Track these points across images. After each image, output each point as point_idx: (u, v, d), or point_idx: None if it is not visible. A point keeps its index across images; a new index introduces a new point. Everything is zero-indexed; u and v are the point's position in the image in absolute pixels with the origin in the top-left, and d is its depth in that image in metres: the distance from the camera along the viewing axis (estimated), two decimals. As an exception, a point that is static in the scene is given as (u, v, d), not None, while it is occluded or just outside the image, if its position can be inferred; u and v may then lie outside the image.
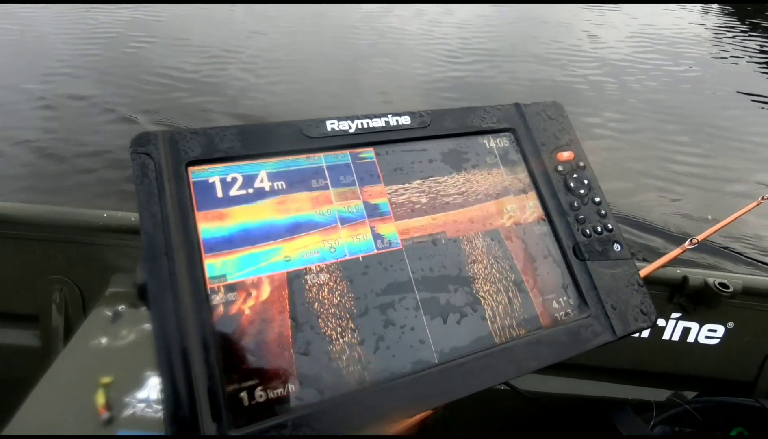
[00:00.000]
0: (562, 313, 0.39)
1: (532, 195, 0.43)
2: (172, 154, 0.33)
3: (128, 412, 0.60)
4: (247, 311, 0.31)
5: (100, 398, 0.61)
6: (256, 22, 5.21)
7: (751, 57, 5.31)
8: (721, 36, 6.08)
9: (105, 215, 0.82)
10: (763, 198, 1.01)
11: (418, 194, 0.40)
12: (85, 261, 0.84)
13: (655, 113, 3.69)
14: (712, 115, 3.76)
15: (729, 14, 7.47)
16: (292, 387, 0.30)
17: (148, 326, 0.70)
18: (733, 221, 0.98)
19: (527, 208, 0.43)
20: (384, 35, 5.12)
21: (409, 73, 4.19)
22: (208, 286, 0.31)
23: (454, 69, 4.34)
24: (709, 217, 2.52)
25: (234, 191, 0.34)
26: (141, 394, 0.62)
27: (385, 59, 4.45)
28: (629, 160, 3.04)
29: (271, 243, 0.34)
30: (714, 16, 7.35)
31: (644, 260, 0.97)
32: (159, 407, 0.60)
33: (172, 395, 0.27)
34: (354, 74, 4.12)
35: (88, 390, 0.61)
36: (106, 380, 0.62)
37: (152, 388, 0.63)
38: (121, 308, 0.74)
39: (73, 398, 0.60)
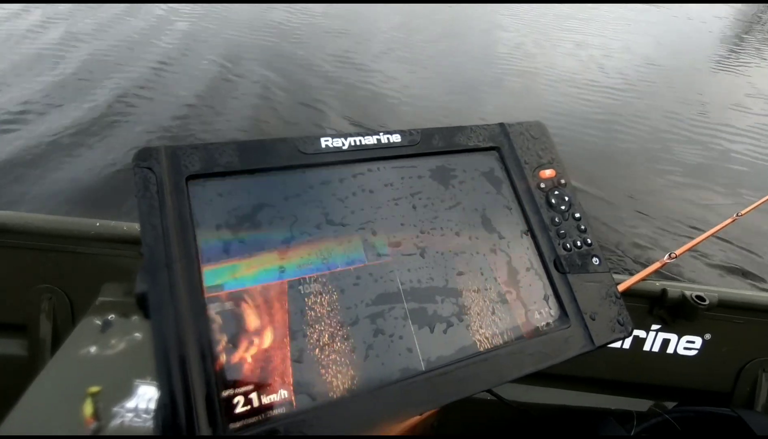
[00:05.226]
0: (543, 323, 0.41)
1: (516, 210, 0.46)
2: (173, 168, 0.35)
3: (116, 422, 0.60)
4: (243, 320, 0.32)
5: (88, 408, 0.60)
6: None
7: None
8: None
9: (98, 224, 0.82)
10: (737, 215, 1.05)
11: (407, 209, 0.41)
12: (76, 270, 0.84)
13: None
14: None
15: None
16: (285, 393, 0.32)
17: (138, 335, 0.70)
18: (709, 236, 1.02)
19: (511, 223, 0.45)
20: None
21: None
22: (206, 295, 0.32)
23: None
24: (689, 227, 2.59)
25: (232, 204, 0.36)
26: (130, 403, 0.62)
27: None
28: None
29: (266, 254, 0.35)
30: None
31: (629, 272, 1.00)
32: (148, 416, 0.60)
33: (169, 400, 0.29)
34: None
35: (76, 400, 0.61)
36: (94, 389, 0.62)
37: (141, 397, 0.63)
38: (111, 317, 0.73)
39: (60, 409, 0.60)
